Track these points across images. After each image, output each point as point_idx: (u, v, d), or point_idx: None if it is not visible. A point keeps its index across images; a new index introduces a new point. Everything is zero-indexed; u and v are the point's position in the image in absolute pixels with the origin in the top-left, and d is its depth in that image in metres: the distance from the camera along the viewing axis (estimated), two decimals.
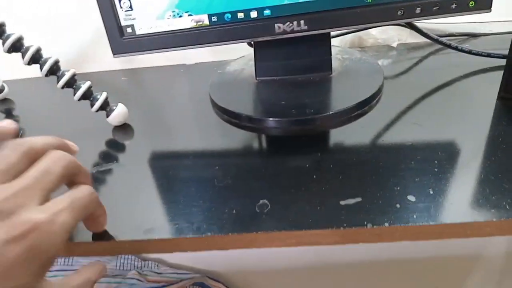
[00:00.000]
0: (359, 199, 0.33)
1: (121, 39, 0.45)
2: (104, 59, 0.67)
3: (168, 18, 0.44)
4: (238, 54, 0.59)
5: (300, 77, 0.50)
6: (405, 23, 0.58)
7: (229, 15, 0.44)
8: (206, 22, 0.44)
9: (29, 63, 0.43)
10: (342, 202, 0.33)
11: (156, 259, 0.87)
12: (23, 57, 0.43)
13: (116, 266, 0.80)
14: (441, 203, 0.31)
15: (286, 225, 0.31)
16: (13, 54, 0.43)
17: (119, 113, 0.47)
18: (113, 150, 0.44)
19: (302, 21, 0.43)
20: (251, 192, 0.35)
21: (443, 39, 0.54)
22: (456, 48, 0.53)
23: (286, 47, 0.49)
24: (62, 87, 0.45)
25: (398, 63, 0.56)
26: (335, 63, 0.51)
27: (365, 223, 0.30)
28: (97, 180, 0.39)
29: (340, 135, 0.42)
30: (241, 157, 0.40)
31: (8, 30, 0.42)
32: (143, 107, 0.54)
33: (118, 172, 0.40)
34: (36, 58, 0.43)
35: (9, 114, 0.57)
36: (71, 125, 0.51)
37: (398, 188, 0.33)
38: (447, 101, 0.45)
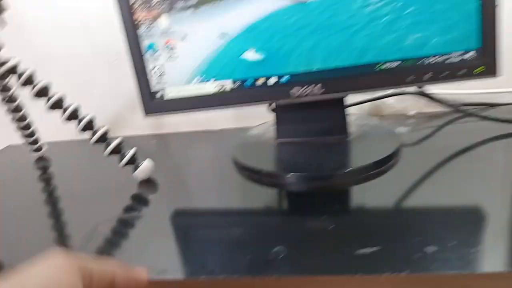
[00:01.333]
0: (376, 248, 0.32)
1: (152, 102, 0.50)
2: (136, 124, 0.72)
3: (195, 83, 0.49)
4: (261, 121, 0.63)
5: (318, 139, 0.52)
6: (422, 93, 0.60)
7: (249, 81, 0.48)
8: (229, 87, 0.48)
9: (68, 119, 0.48)
10: (360, 251, 0.32)
11: None
12: (64, 112, 0.48)
13: None
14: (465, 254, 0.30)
15: (301, 270, 0.31)
16: (53, 116, 0.48)
17: (145, 167, 0.50)
18: (138, 203, 0.46)
19: (319, 85, 0.46)
20: (266, 241, 0.35)
21: (462, 108, 0.56)
22: (475, 115, 0.54)
23: (304, 112, 0.52)
24: (96, 142, 0.49)
25: (416, 131, 0.57)
26: (352, 128, 0.53)
27: (384, 270, 0.30)
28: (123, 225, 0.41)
29: (356, 192, 0.42)
30: (260, 213, 0.41)
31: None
32: (168, 166, 0.57)
33: (143, 222, 0.42)
34: (74, 115, 0.48)
35: (45, 171, 0.62)
36: (100, 181, 0.54)
37: (419, 239, 0.33)
38: (468, 165, 0.45)
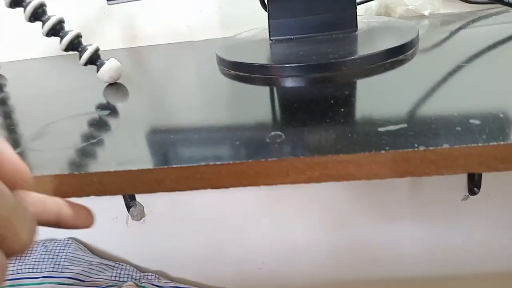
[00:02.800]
0: (404, 125, 0.24)
1: None
2: (106, 37, 0.62)
3: None
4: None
5: (320, 35, 0.44)
6: None
7: None
8: None
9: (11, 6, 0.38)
10: (381, 129, 0.24)
11: (157, 271, 0.77)
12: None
13: (112, 276, 0.71)
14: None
15: (306, 151, 0.23)
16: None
17: (111, 66, 0.41)
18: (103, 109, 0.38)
19: None
20: (260, 125, 0.27)
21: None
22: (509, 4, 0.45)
23: (303, 0, 0.43)
24: (47, 35, 0.39)
25: (432, 32, 0.48)
26: (360, 24, 0.44)
27: (416, 145, 0.22)
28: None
29: (369, 82, 0.34)
30: (249, 109, 0.33)
31: None
32: (142, 76, 0.48)
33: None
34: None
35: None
36: (59, 84, 0.45)
37: (455, 114, 0.25)
38: (494, 64, 0.35)
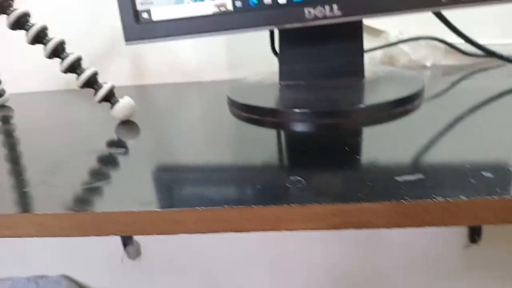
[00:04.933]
0: (420, 176, 0.25)
1: (136, 24, 0.42)
2: (113, 73, 0.63)
3: (188, 3, 0.41)
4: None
5: (328, 81, 0.45)
6: (441, 40, 0.54)
7: (255, 0, 0.40)
8: (230, 7, 0.41)
9: (32, 43, 0.39)
10: (399, 178, 0.25)
11: None
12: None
13: None
14: None
15: (327, 198, 0.23)
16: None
17: (125, 104, 0.41)
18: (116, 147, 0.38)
19: (335, 6, 0.39)
20: (279, 170, 0.28)
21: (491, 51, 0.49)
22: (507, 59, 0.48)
23: (314, 47, 0.45)
24: (65, 72, 0.40)
25: (435, 82, 0.50)
26: (367, 73, 0.46)
27: (434, 196, 0.23)
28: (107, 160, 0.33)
29: (380, 130, 0.35)
30: (264, 152, 0.33)
31: None
32: (152, 114, 0.48)
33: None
34: (40, 37, 0.39)
35: (6, 122, 0.52)
36: (69, 118, 0.45)
37: (468, 166, 0.26)
38: (497, 116, 0.37)
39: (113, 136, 0.39)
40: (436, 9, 0.39)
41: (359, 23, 0.43)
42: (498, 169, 0.25)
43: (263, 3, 0.40)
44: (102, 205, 0.25)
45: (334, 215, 0.23)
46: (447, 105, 0.39)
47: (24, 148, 0.39)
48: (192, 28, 0.41)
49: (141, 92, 0.58)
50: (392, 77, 0.46)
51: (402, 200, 0.22)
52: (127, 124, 0.42)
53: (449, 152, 0.28)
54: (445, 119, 0.34)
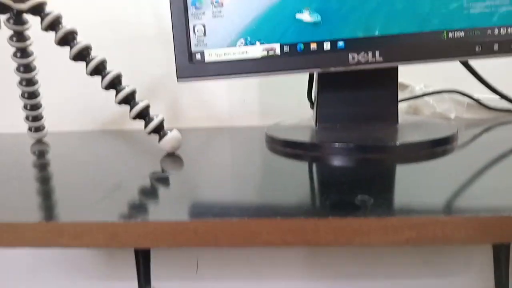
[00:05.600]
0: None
1: (189, 64, 0.45)
2: None
3: (239, 46, 0.44)
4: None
5: (364, 125, 0.47)
6: (465, 94, 0.57)
7: (301, 46, 0.44)
8: (278, 51, 0.44)
9: (92, 74, 0.42)
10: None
11: None
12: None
13: None
14: None
15: (402, 212, 0.24)
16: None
17: (173, 137, 0.43)
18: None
19: (377, 52, 0.42)
20: (344, 190, 0.29)
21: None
22: None
23: (351, 92, 0.47)
24: (120, 103, 0.42)
25: (461, 133, 0.52)
26: (400, 119, 0.49)
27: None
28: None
29: (416, 169, 0.36)
30: (313, 179, 0.34)
31: None
32: (191, 157, 0.50)
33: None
34: (99, 70, 0.42)
35: (41, 155, 0.53)
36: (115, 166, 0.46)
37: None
38: None
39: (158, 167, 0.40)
40: (469, 58, 0.42)
41: (395, 71, 0.46)
42: None
43: (309, 49, 0.43)
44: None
45: (411, 228, 0.24)
46: (476, 153, 0.41)
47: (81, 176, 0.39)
48: (242, 69, 0.44)
49: None
50: (425, 124, 0.49)
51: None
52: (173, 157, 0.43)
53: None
54: (478, 166, 0.36)
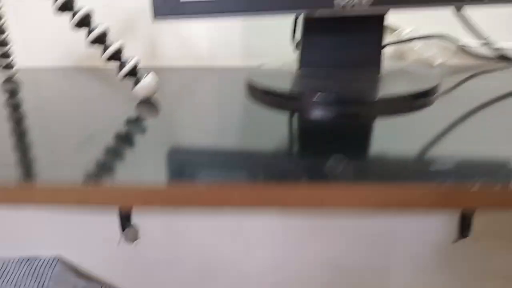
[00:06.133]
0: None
1: (165, 1, 0.42)
2: (127, 53, 0.62)
3: None
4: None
5: (345, 71, 0.46)
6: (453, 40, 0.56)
7: None
8: None
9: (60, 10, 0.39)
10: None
11: None
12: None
13: None
14: None
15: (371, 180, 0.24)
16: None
17: (149, 81, 0.41)
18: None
19: None
20: (316, 151, 0.29)
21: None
22: None
23: (335, 37, 0.45)
24: (92, 43, 0.40)
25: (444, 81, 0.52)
26: (382, 66, 0.47)
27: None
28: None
29: (399, 120, 0.36)
30: (292, 130, 0.34)
31: None
32: (168, 97, 0.48)
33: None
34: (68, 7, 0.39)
35: (13, 95, 0.51)
36: (89, 101, 0.45)
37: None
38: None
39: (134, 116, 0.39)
40: (460, 4, 0.40)
41: (382, 18, 0.44)
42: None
43: None
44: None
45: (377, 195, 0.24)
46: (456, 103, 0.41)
47: (49, 121, 0.38)
48: (220, 7, 0.41)
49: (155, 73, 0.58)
50: (408, 73, 0.48)
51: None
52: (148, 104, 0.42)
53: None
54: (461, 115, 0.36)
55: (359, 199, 0.24)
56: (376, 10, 0.40)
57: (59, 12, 0.39)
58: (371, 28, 0.45)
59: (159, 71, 0.60)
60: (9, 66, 0.55)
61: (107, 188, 0.25)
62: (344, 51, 0.46)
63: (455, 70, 0.54)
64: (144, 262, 0.77)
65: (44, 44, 0.64)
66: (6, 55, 0.55)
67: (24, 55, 0.64)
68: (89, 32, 0.39)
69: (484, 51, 0.56)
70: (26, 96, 0.47)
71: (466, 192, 0.24)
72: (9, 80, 0.55)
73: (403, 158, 0.27)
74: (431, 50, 0.57)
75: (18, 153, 0.30)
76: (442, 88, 0.45)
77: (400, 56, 0.59)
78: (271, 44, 0.60)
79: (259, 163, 0.27)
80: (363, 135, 0.31)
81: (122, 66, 0.41)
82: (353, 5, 0.40)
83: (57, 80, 0.55)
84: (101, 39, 0.40)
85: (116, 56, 0.40)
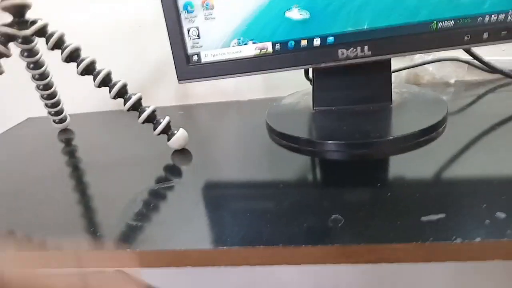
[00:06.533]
0: (442, 215, 0.30)
1: (187, 66, 0.47)
2: (160, 97, 0.70)
3: (234, 46, 0.46)
4: (291, 91, 0.60)
5: (358, 107, 0.50)
6: (468, 53, 0.57)
7: (292, 43, 0.45)
8: (270, 49, 0.46)
9: (99, 86, 0.46)
10: (424, 219, 0.30)
11: None
12: (94, 79, 0.45)
13: None
14: None
15: (364, 239, 0.29)
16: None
17: (180, 136, 0.48)
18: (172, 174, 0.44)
19: (366, 47, 0.43)
20: (321, 209, 0.33)
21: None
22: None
23: (345, 77, 0.49)
24: (128, 110, 0.46)
25: (458, 99, 0.54)
26: (394, 96, 0.50)
27: (454, 237, 0.28)
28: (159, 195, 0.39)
29: (407, 160, 0.40)
30: (303, 181, 0.39)
31: None
32: (199, 136, 0.54)
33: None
34: (105, 81, 0.46)
35: (69, 143, 0.60)
36: (131, 150, 0.52)
37: (484, 205, 0.31)
38: None
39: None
40: (457, 48, 0.43)
41: (389, 61, 0.47)
42: None
43: (300, 46, 0.45)
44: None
45: (370, 253, 0.29)
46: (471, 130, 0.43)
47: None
48: (236, 68, 0.47)
49: (187, 111, 0.65)
50: (418, 102, 0.50)
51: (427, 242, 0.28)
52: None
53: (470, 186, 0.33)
54: (468, 149, 0.39)
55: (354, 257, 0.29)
56: (378, 58, 0.44)
57: (83, 75, 0.46)
58: (377, 68, 0.48)
59: (190, 108, 0.66)
60: (61, 121, 0.63)
61: None
62: (355, 90, 0.50)
63: (469, 86, 0.56)
64: None
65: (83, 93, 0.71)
66: (55, 104, 0.62)
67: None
68: (126, 101, 0.46)
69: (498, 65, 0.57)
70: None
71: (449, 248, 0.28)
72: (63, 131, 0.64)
73: None
74: (445, 69, 0.59)
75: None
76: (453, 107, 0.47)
77: (414, 78, 0.61)
78: (289, 78, 0.64)
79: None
80: (370, 183, 0.36)
81: (156, 125, 0.47)
82: (356, 56, 0.44)
83: (100, 133, 0.63)
84: (135, 106, 0.46)
85: (150, 118, 0.47)
